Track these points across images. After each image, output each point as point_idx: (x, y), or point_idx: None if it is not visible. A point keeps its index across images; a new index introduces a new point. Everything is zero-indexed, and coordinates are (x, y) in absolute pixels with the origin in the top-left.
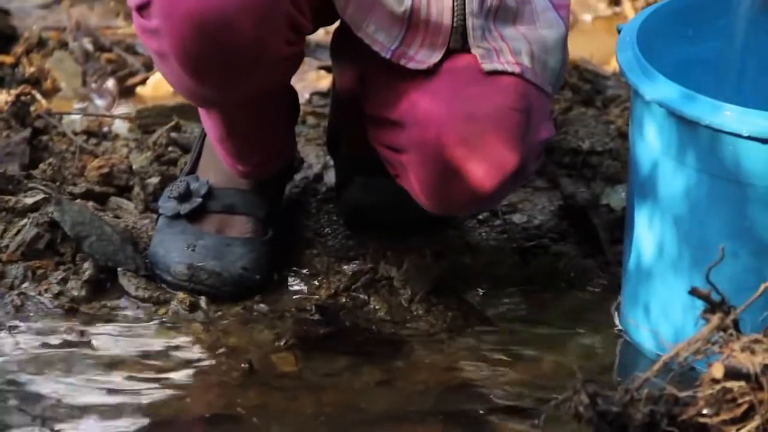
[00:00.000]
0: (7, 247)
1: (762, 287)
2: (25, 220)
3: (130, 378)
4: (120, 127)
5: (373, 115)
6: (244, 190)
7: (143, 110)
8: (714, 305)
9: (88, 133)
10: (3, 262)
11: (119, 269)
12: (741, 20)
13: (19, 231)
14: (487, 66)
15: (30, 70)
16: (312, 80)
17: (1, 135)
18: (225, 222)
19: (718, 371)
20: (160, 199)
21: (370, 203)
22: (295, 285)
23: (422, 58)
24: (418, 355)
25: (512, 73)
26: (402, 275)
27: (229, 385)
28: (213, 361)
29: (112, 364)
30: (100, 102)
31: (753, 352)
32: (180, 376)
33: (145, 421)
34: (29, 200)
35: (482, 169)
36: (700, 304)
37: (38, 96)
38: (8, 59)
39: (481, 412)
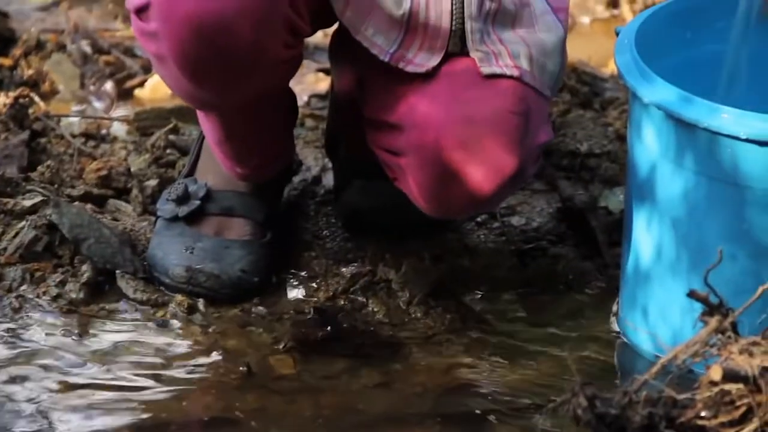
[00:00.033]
0: (5, 249)
1: (760, 290)
2: (24, 223)
3: (128, 381)
4: (118, 129)
5: (371, 118)
6: (242, 192)
7: (141, 113)
8: (712, 308)
9: (87, 136)
10: (1, 265)
11: (117, 271)
12: (739, 23)
13: (17, 233)
14: (486, 69)
15: (28, 72)
16: (310, 83)
17: (0, 137)
18: (223, 224)
19: (716, 374)
20: (159, 202)
21: (368, 206)
22: (294, 287)
23: (421, 61)
24: (417, 358)
25: (511, 77)
26: (400, 278)
27: (228, 388)
28: (211, 364)
29: (110, 366)
30: (98, 104)
31: (751, 354)
32: (178, 378)
33: (143, 424)
34: (27, 203)
35: (481, 173)
36: (698, 307)
37: (36, 98)
38: (6, 61)
39: (479, 414)
